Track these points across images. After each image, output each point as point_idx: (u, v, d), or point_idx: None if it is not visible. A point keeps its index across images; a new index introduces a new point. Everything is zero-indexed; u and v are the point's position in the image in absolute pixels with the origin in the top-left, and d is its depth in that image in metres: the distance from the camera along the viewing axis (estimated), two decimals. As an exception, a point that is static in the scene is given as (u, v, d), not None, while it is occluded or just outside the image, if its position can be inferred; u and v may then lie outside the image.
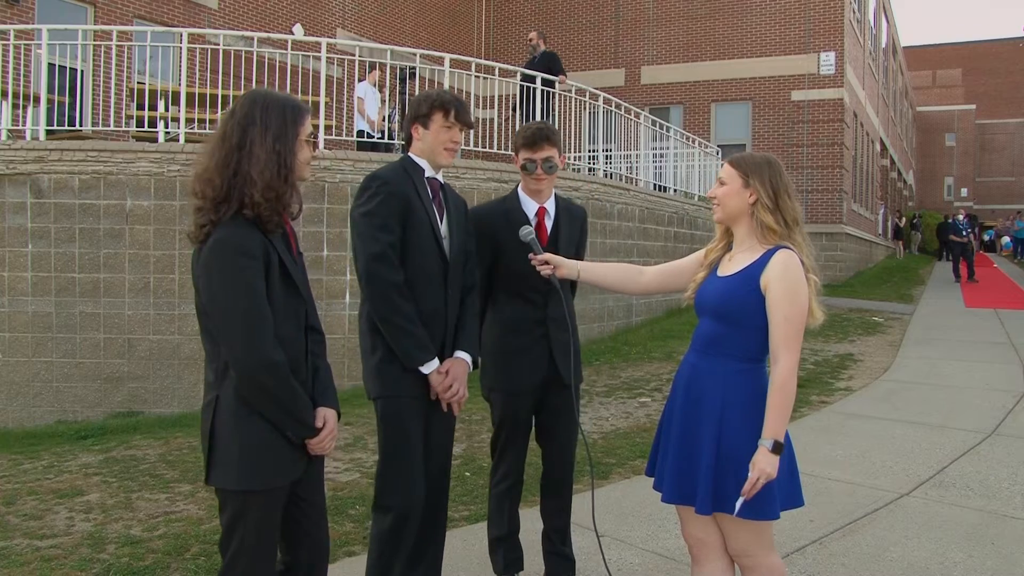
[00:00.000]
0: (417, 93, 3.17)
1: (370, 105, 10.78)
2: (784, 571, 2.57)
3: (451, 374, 2.87)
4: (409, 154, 3.00)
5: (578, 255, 3.35)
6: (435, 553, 3.07)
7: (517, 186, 3.36)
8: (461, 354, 2.96)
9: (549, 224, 3.32)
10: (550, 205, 3.33)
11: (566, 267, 2.92)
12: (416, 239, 2.85)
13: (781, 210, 2.47)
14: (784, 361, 2.37)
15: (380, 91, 10.98)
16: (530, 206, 3.30)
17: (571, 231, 3.36)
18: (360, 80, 10.74)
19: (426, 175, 2.95)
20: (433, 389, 2.85)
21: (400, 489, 2.85)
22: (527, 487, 3.53)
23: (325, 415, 2.31)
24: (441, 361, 2.89)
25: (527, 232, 2.99)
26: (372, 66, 10.97)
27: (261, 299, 2.14)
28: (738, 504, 2.37)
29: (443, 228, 2.94)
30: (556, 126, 10.14)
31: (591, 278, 2.98)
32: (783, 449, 2.37)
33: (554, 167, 3.23)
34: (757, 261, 2.45)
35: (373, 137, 10.29)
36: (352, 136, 10.03)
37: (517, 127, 10.56)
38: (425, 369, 2.82)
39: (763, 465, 2.33)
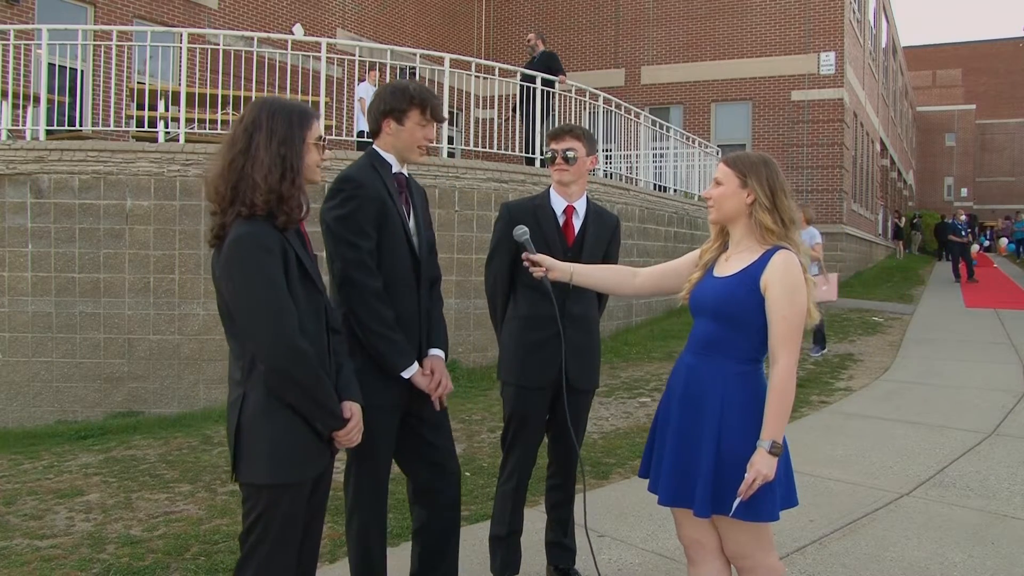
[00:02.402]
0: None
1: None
2: (783, 571, 2.57)
3: (436, 372, 2.85)
4: (375, 148, 2.90)
5: (607, 262, 3.34)
6: (453, 551, 3.03)
7: (549, 186, 3.41)
8: (437, 352, 2.93)
9: (577, 224, 3.33)
10: (580, 205, 3.35)
11: (559, 269, 2.89)
12: (390, 242, 2.79)
13: (779, 209, 2.45)
14: (783, 361, 2.37)
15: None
16: (559, 204, 3.33)
17: (599, 235, 3.37)
18: (360, 81, 10.72)
19: (393, 171, 2.88)
20: (423, 389, 2.82)
21: (363, 502, 2.87)
22: (530, 486, 3.52)
23: (351, 407, 2.36)
24: (419, 361, 2.87)
25: (521, 232, 2.96)
26: (372, 66, 10.95)
27: (283, 291, 2.17)
28: (735, 505, 2.36)
29: (411, 225, 2.89)
30: (556, 126, 10.14)
31: (585, 281, 2.94)
32: (782, 451, 2.36)
33: (574, 158, 3.27)
34: (757, 262, 2.44)
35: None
36: (352, 136, 10.04)
37: (517, 127, 10.64)
38: (406, 374, 2.78)
39: (760, 466, 2.32)
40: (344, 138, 9.91)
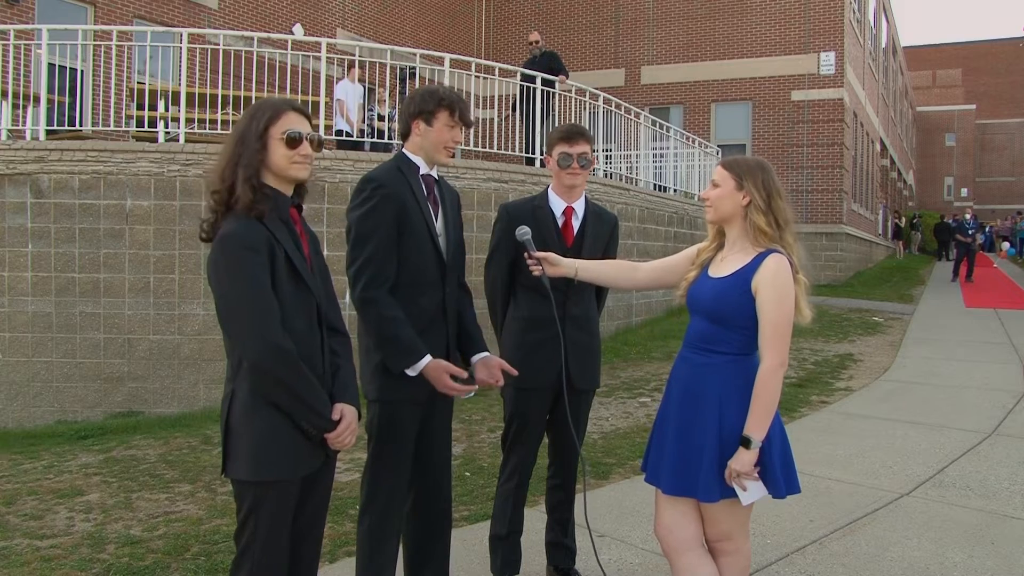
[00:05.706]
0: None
1: (350, 105, 10.66)
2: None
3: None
4: (404, 151, 2.95)
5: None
6: (442, 552, 3.06)
7: (548, 187, 3.40)
8: (485, 355, 3.00)
9: (576, 224, 3.33)
10: (579, 206, 3.35)
11: (564, 266, 2.93)
12: (412, 241, 2.82)
13: (774, 211, 2.54)
14: (767, 361, 2.46)
15: (360, 84, 10.79)
16: (558, 205, 3.33)
17: (599, 234, 3.38)
18: (339, 80, 10.61)
19: (421, 172, 2.91)
20: (434, 384, 2.80)
21: (383, 494, 2.86)
22: (530, 486, 3.52)
23: (343, 410, 2.35)
24: (447, 358, 2.88)
25: (523, 232, 2.98)
26: (352, 64, 10.79)
27: (265, 289, 2.19)
28: (739, 492, 2.44)
29: (439, 225, 2.92)
30: (555, 125, 10.14)
31: (588, 276, 3.00)
32: (750, 444, 2.44)
33: (588, 163, 3.29)
34: (749, 264, 2.52)
35: (352, 137, 10.19)
36: (352, 136, 10.01)
37: (517, 127, 10.63)
38: (412, 371, 2.77)
39: (731, 461, 2.45)
40: (344, 138, 9.91)
